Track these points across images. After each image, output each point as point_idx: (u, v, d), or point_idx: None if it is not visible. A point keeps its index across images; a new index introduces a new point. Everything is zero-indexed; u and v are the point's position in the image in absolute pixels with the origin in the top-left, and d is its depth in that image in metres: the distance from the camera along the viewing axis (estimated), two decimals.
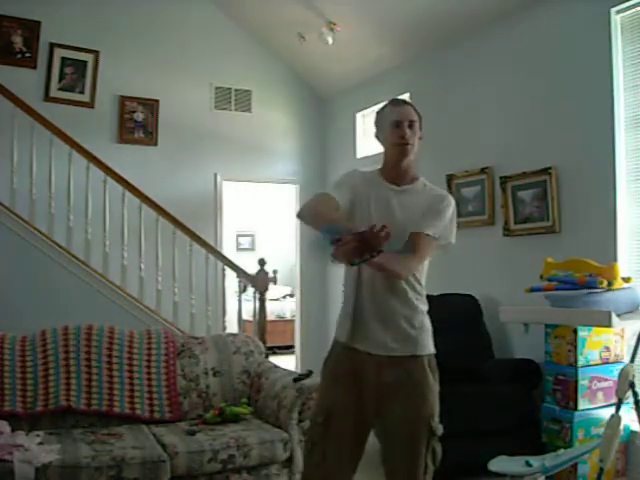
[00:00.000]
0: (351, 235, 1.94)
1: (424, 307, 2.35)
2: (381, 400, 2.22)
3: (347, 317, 2.30)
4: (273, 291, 8.25)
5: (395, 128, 2.30)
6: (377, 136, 2.43)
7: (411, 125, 2.31)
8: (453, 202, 2.35)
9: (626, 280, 3.69)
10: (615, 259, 3.87)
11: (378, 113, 2.42)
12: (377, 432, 2.29)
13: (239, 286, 5.62)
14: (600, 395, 3.72)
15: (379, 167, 2.42)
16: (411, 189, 2.34)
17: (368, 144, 6.62)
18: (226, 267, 5.69)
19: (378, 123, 2.41)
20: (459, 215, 5.25)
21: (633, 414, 3.32)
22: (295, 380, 3.50)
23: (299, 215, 2.28)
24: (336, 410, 2.23)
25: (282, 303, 9.64)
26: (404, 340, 2.24)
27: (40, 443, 2.98)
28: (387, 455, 2.25)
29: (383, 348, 2.23)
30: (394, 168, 2.35)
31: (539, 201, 4.49)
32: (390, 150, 2.35)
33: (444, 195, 2.38)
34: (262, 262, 5.40)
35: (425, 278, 2.40)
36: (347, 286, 2.34)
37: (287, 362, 6.49)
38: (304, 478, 2.32)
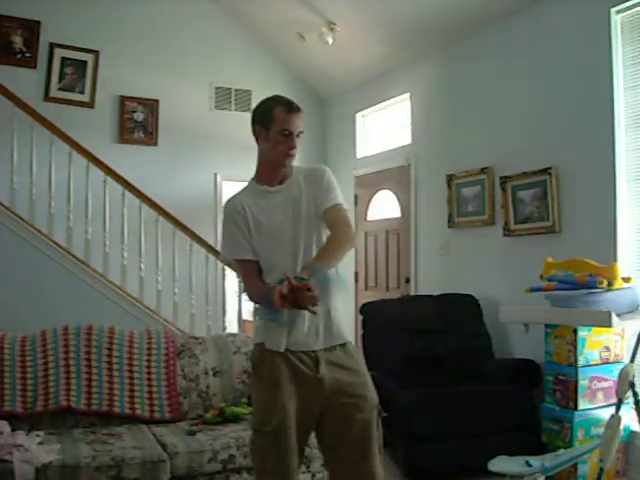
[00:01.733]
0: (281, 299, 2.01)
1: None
2: (326, 396, 2.22)
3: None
4: None
5: (284, 137, 2.25)
6: (256, 132, 2.33)
7: (299, 135, 2.29)
8: (328, 169, 2.40)
9: (626, 280, 3.69)
10: (615, 259, 3.87)
11: (265, 108, 2.30)
12: (322, 431, 2.28)
13: (239, 286, 5.62)
14: (600, 395, 3.72)
15: (253, 176, 2.39)
16: (291, 181, 2.34)
17: (368, 144, 6.63)
18: (226, 267, 5.69)
19: (262, 119, 2.29)
20: (459, 215, 5.32)
21: (633, 414, 3.32)
22: None
23: (251, 300, 2.35)
24: (282, 416, 2.19)
25: None
26: (333, 330, 2.27)
27: (40, 443, 2.98)
28: (340, 450, 2.24)
29: (317, 343, 2.24)
30: (274, 171, 2.33)
31: (539, 201, 4.49)
32: (272, 155, 2.29)
33: (318, 168, 2.41)
34: None
35: None
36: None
37: None
38: None
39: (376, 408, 2.26)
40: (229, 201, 2.36)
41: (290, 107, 2.28)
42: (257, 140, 2.35)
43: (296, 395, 2.22)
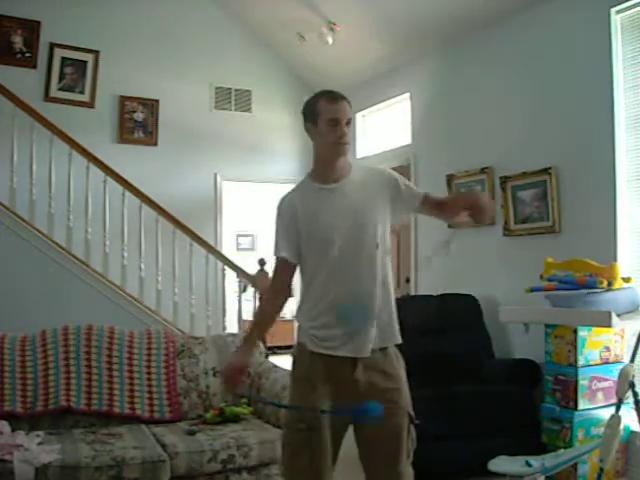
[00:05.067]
0: None
1: (394, 297, 2.32)
2: (360, 399, 2.20)
3: (324, 325, 2.24)
4: None
5: (333, 127, 2.20)
6: (308, 129, 2.30)
7: (348, 123, 2.24)
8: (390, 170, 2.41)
9: (626, 280, 3.69)
10: (615, 259, 3.87)
11: (310, 104, 2.28)
12: (356, 429, 2.28)
13: (239, 286, 5.62)
14: (600, 395, 3.72)
15: (308, 172, 2.35)
16: (350, 179, 2.29)
17: (368, 144, 6.63)
18: (226, 267, 5.69)
19: (310, 115, 2.27)
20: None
21: (633, 414, 3.31)
22: None
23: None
24: (316, 416, 2.19)
25: None
26: (380, 335, 2.23)
27: (40, 443, 2.98)
28: (370, 450, 2.25)
29: (359, 350, 2.20)
30: (328, 167, 2.27)
31: (539, 201, 4.49)
32: (325, 148, 2.25)
33: (382, 170, 2.40)
34: (262, 262, 5.40)
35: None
36: (315, 289, 2.27)
37: (287, 362, 6.49)
38: None
39: (408, 414, 2.24)
40: (282, 199, 2.32)
41: (332, 96, 2.25)
42: (312, 139, 2.32)
43: (330, 396, 2.22)
